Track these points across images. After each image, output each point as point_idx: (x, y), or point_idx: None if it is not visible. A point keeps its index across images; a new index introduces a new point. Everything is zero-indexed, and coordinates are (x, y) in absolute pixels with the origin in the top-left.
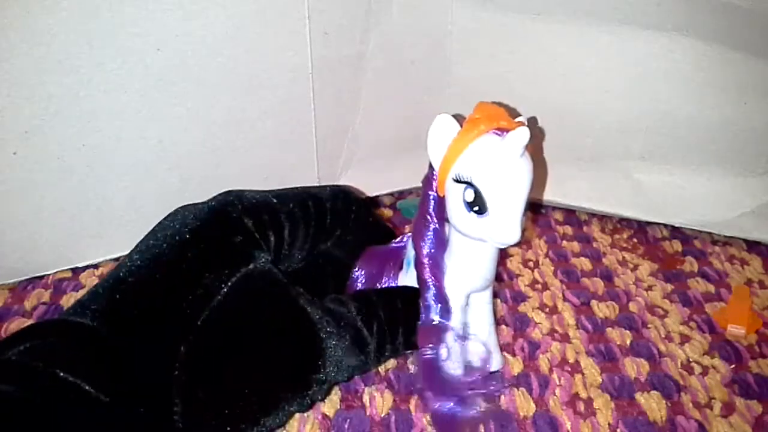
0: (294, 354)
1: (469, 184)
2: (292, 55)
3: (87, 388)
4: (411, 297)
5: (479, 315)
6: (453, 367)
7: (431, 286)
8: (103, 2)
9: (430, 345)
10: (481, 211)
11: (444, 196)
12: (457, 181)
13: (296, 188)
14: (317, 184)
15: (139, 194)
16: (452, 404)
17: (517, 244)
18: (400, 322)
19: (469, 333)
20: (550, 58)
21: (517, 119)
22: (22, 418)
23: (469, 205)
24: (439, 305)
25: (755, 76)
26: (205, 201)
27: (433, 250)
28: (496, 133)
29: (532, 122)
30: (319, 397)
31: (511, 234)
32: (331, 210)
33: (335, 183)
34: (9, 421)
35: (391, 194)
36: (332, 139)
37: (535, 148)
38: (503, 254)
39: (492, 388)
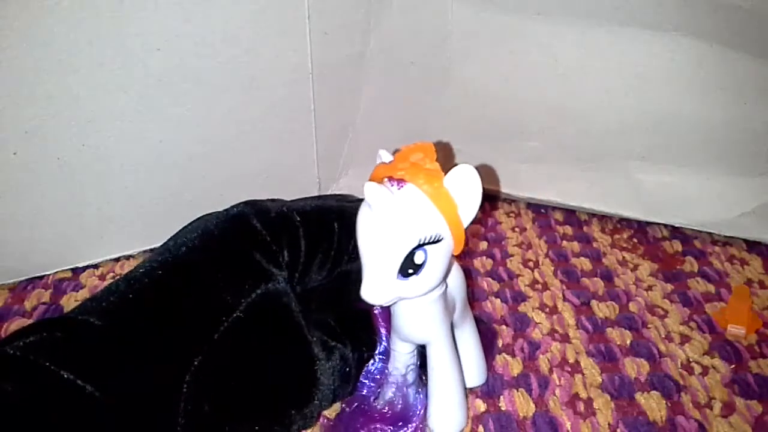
0: (291, 385)
1: None
2: (292, 55)
3: (89, 389)
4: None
5: (464, 345)
6: (379, 405)
7: (380, 332)
8: (104, 2)
9: (366, 383)
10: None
11: None
12: None
13: (329, 202)
14: (323, 189)
15: (139, 194)
16: None
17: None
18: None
19: (413, 382)
20: (550, 58)
21: (456, 168)
22: (19, 416)
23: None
24: (384, 348)
25: (755, 76)
26: (225, 210)
27: None
28: (391, 183)
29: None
30: (308, 426)
31: (364, 290)
32: None
33: (335, 183)
34: (5, 420)
35: None
36: (332, 139)
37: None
38: (504, 254)
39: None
